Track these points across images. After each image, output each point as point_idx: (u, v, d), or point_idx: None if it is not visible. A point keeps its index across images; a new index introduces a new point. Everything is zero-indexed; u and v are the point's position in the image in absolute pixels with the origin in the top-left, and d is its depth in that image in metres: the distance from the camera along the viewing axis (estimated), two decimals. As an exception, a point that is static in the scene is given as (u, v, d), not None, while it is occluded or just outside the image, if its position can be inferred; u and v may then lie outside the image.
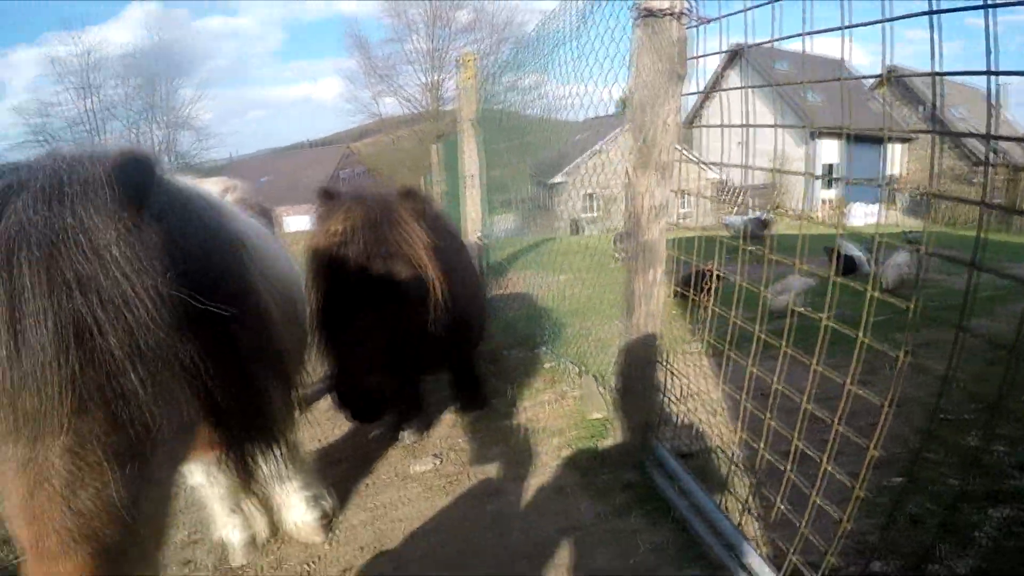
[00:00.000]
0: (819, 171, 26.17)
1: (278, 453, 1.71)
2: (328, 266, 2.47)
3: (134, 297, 1.10)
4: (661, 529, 2.78)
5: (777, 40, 2.08)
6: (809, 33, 1.93)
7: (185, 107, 40.68)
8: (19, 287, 1.00)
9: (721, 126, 2.58)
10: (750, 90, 2.38)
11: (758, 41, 2.09)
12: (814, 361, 1.88)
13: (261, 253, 1.88)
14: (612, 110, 3.99)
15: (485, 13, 39.73)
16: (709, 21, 2.56)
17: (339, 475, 3.45)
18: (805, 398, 1.95)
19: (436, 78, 39.93)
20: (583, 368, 4.17)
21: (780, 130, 2.52)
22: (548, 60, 4.50)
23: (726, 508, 2.64)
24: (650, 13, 2.61)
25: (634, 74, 2.74)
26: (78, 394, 1.04)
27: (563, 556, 2.66)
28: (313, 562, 2.83)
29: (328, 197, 2.71)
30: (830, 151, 28.06)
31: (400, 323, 2.50)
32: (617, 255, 8.29)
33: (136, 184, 1.18)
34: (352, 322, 2.39)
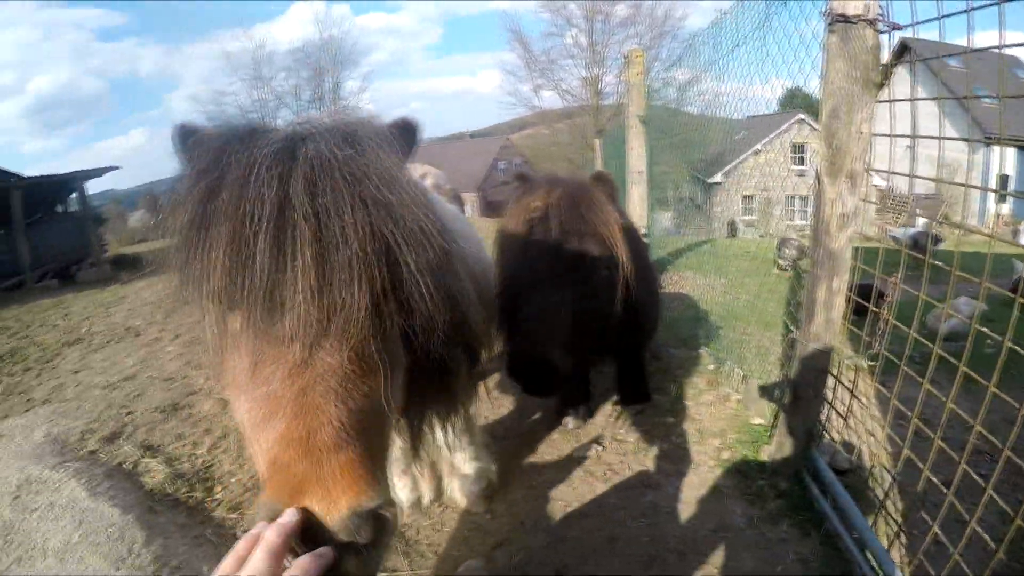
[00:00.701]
0: (992, 182, 23.71)
1: (455, 423, 1.86)
2: (525, 241, 2.63)
3: (424, 224, 1.28)
4: (810, 541, 2.79)
5: (972, 51, 2.02)
6: (1006, 46, 1.86)
7: (351, 98, 43.02)
8: (326, 206, 1.17)
9: (910, 136, 2.50)
10: (916, 90, 2.31)
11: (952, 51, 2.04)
12: (991, 383, 1.83)
13: (458, 235, 2.06)
14: (774, 108, 3.90)
15: (644, 7, 39.11)
16: (901, 27, 2.55)
17: (503, 452, 3.66)
18: (977, 421, 1.90)
19: (596, 72, 39.84)
20: (748, 373, 4.16)
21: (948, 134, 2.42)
22: (726, 59, 4.47)
23: (877, 529, 2.59)
24: (844, 19, 2.63)
25: (825, 80, 2.77)
26: (373, 301, 1.19)
27: (711, 556, 2.76)
28: (471, 530, 3.04)
29: (524, 179, 2.89)
30: (1005, 160, 25.03)
31: (589, 299, 2.64)
32: (780, 262, 8.06)
33: (410, 140, 1.47)
34: (543, 294, 2.54)
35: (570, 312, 2.62)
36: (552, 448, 3.94)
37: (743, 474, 3.42)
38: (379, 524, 1.05)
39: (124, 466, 4.06)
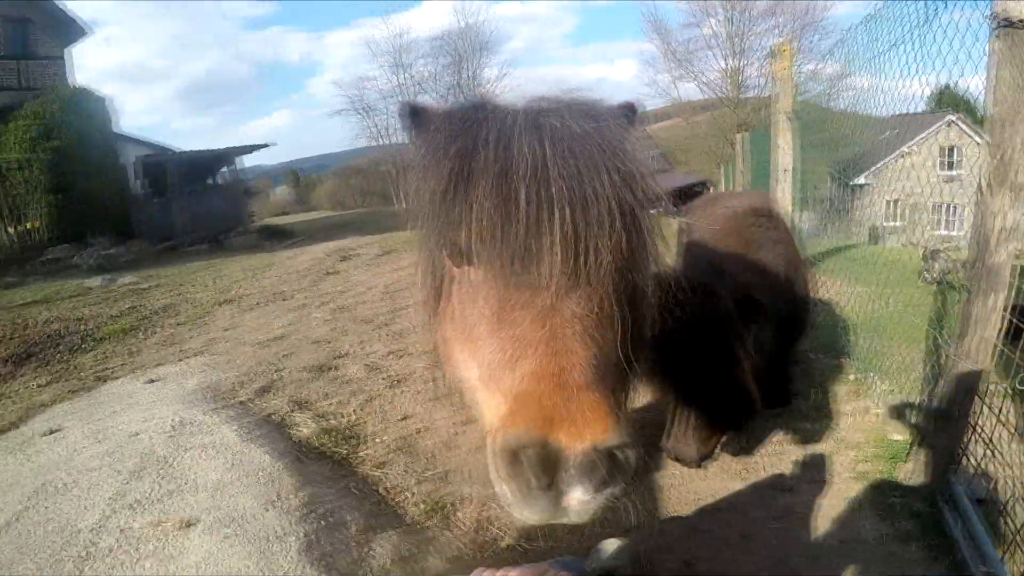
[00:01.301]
0: None
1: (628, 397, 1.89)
2: (724, 253, 2.70)
3: (659, 195, 1.44)
4: (938, 566, 2.75)
5: None
6: None
7: (489, 85, 44.14)
8: (578, 169, 1.29)
9: None
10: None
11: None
12: None
13: None
14: (921, 107, 3.75)
15: (785, -1, 37.73)
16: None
17: (644, 438, 3.70)
18: None
19: (736, 64, 38.70)
20: (891, 388, 4.06)
21: None
22: (881, 57, 4.34)
23: (1010, 565, 2.52)
24: (1010, 23, 2.48)
25: (991, 87, 2.61)
26: (617, 257, 1.31)
27: (839, 566, 2.74)
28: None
29: (703, 186, 2.96)
30: None
31: (779, 320, 2.69)
32: (927, 274, 7.70)
33: (632, 120, 1.63)
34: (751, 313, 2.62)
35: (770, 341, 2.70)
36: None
37: (877, 489, 3.36)
38: (615, 463, 1.14)
39: (274, 418, 4.36)
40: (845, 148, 5.84)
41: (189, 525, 3.11)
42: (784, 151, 6.62)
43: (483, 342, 1.30)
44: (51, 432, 4.80)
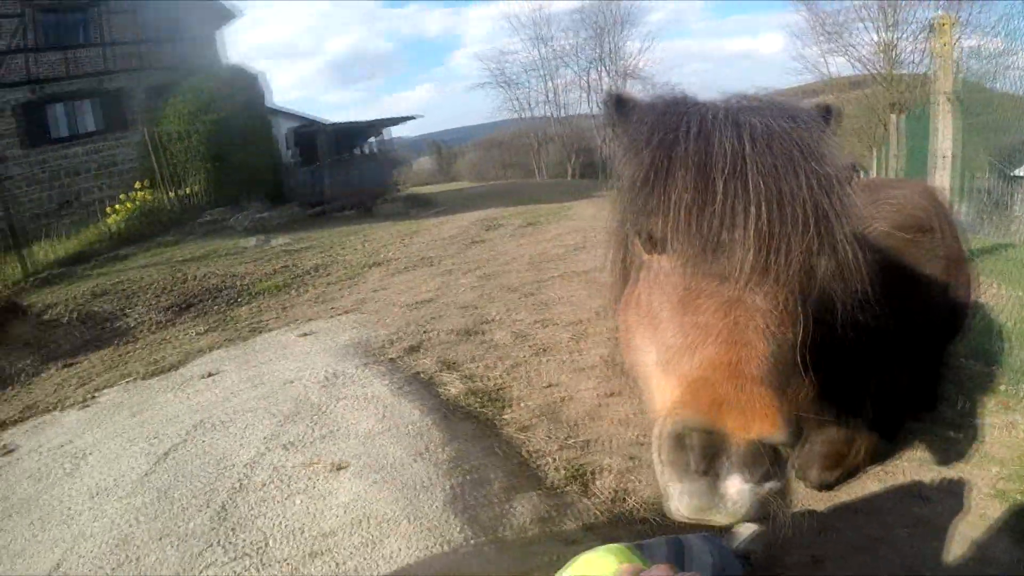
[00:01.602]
0: None
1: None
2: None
3: (852, 201, 1.40)
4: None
5: None
6: None
7: (632, 58, 43.75)
8: (776, 166, 1.31)
9: None
10: None
11: None
12: None
13: None
14: None
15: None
16: None
17: None
18: None
19: (890, 37, 35.91)
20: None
21: None
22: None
23: None
24: None
25: None
26: (807, 257, 1.32)
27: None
28: None
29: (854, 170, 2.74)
30: None
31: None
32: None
33: (829, 122, 1.54)
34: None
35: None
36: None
37: (1017, 511, 3.05)
38: (777, 459, 1.13)
39: (422, 376, 4.48)
40: (1008, 135, 5.34)
41: (340, 468, 3.27)
42: (944, 135, 6.07)
43: (665, 327, 1.34)
44: (209, 375, 5.16)
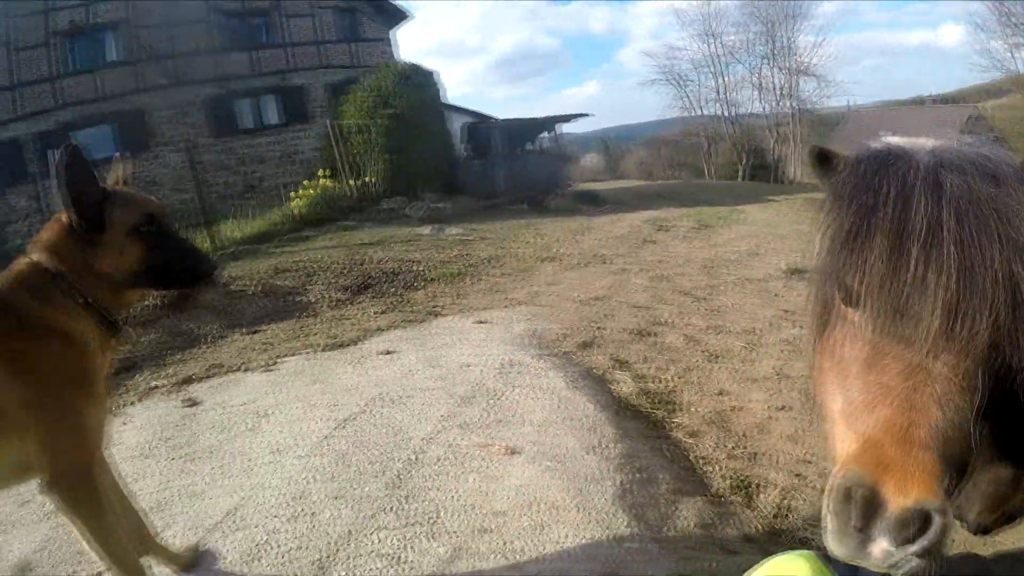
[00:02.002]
0: None
1: None
2: None
3: None
4: None
5: None
6: None
7: (805, 53, 41.69)
8: (971, 234, 1.34)
9: None
10: None
11: None
12: None
13: None
14: None
15: None
16: None
17: None
18: None
19: None
20: None
21: None
22: None
23: None
24: None
25: None
26: (993, 330, 1.34)
27: None
28: None
29: None
30: None
31: None
32: None
33: None
34: None
35: None
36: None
37: None
38: (926, 525, 1.16)
39: (595, 371, 4.56)
40: None
41: (513, 453, 3.40)
42: None
43: (851, 381, 1.39)
44: (387, 352, 5.46)
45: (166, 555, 2.93)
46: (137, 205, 2.44)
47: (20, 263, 2.44)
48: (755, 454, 3.47)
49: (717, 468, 3.33)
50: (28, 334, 2.32)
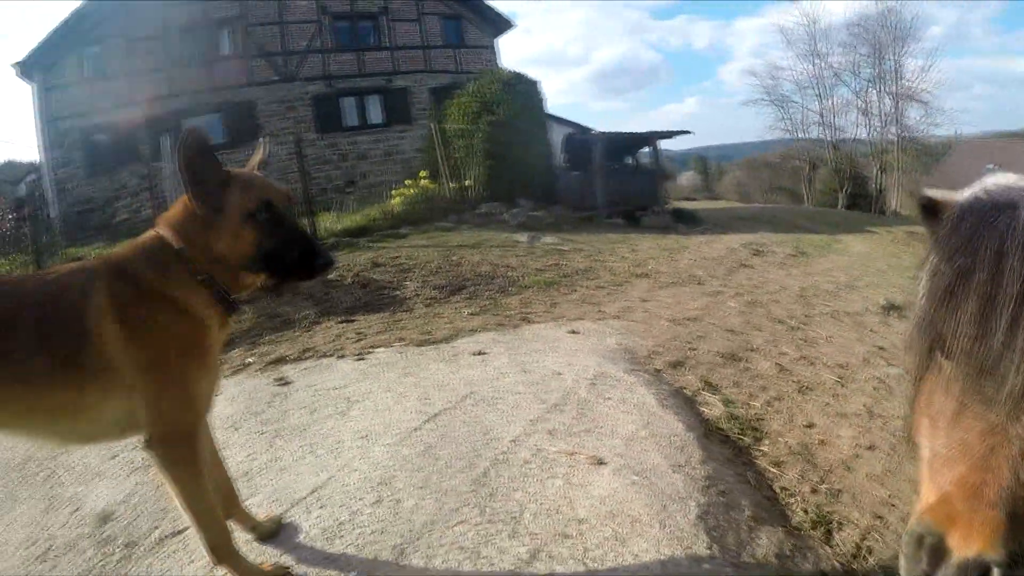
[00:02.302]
0: None
1: None
2: None
3: None
4: None
5: None
6: None
7: (913, 77, 39.92)
8: None
9: None
10: None
11: None
12: None
13: None
14: None
15: None
16: None
17: None
18: None
19: None
20: None
21: None
22: None
23: None
24: None
25: None
26: None
27: None
28: None
29: None
30: None
31: None
32: None
33: None
34: None
35: None
36: None
37: None
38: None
39: (685, 392, 4.57)
40: None
41: (600, 463, 3.45)
42: None
43: (938, 432, 1.48)
44: (479, 353, 5.58)
45: (249, 522, 3.08)
46: (256, 191, 2.52)
47: (147, 236, 2.59)
48: (839, 491, 3.43)
49: (799, 501, 3.31)
50: (147, 302, 2.44)
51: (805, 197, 43.25)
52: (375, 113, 25.86)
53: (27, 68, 22.95)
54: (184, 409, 2.51)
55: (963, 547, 1.28)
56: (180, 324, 2.47)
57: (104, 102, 22.69)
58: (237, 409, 4.67)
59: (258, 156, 2.82)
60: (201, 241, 2.48)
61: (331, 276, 8.76)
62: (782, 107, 44.51)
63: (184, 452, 2.52)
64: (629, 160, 22.37)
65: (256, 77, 24.09)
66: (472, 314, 7.39)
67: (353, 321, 7.54)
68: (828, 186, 42.95)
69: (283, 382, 5.39)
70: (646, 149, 21.25)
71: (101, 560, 3.14)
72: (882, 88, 41.87)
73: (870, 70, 41.76)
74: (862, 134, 43.16)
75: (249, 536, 3.04)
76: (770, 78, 44.76)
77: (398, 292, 8.81)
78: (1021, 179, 1.63)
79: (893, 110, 41.85)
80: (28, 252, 13.30)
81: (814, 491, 3.38)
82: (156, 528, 3.32)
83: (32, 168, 27.39)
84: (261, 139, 2.90)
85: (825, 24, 44.14)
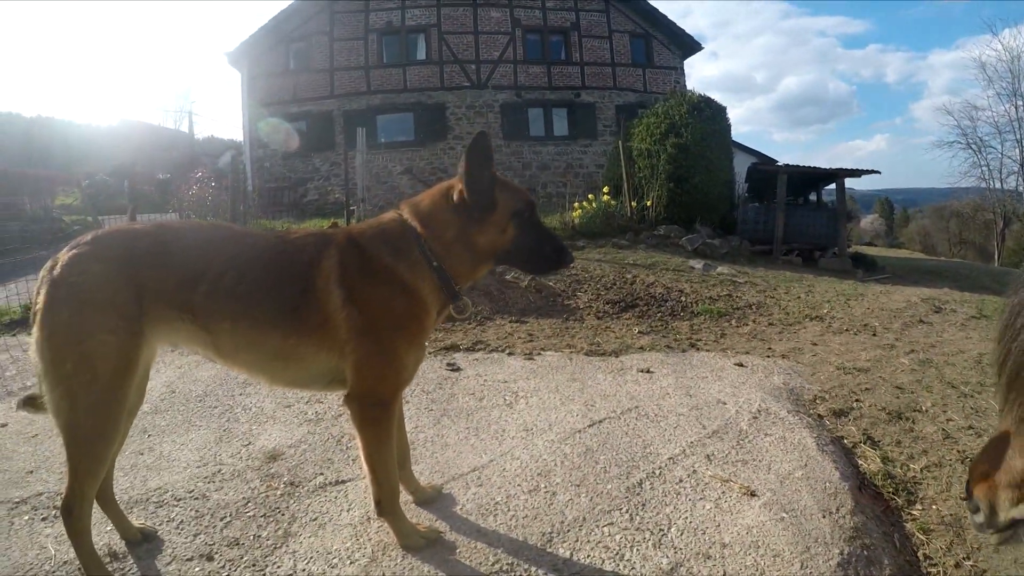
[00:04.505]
0: None
1: None
2: None
3: None
4: None
5: None
6: None
7: None
8: None
9: None
10: None
11: None
12: None
13: None
14: None
15: None
16: None
17: None
18: None
19: None
20: None
21: None
22: None
23: None
24: None
25: None
26: None
27: None
28: None
29: None
30: None
31: None
32: None
33: None
34: None
35: None
36: None
37: None
38: None
39: (845, 441, 4.56)
40: None
41: (752, 495, 3.56)
42: None
43: None
44: (646, 371, 5.80)
45: (411, 486, 3.39)
46: (520, 194, 2.81)
47: (389, 216, 2.88)
48: (983, 571, 3.31)
49: (939, 572, 3.24)
50: (375, 275, 2.71)
51: (995, 254, 39.59)
52: (560, 125, 26.63)
53: (236, 58, 25.71)
54: (389, 377, 2.78)
55: None
56: (403, 301, 2.73)
57: (304, 93, 25.09)
58: (409, 385, 5.06)
59: None
60: (450, 231, 2.75)
61: (508, 277, 9.19)
62: (978, 152, 40.74)
63: (380, 413, 2.79)
64: (812, 196, 21.61)
65: (448, 82, 25.54)
66: (641, 332, 7.57)
67: (525, 323, 7.91)
68: (1021, 244, 38.98)
69: (454, 368, 5.81)
70: (830, 186, 20.49)
71: (265, 491, 3.53)
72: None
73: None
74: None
75: (409, 498, 3.36)
76: (967, 118, 41.06)
77: (570, 302, 9.11)
78: None
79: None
80: (225, 218, 14.49)
81: (957, 566, 3.32)
82: (320, 475, 3.72)
83: (232, 145, 30.17)
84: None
85: (1032, 59, 39.46)
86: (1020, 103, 39.20)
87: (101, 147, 45.77)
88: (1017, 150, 39.59)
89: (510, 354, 6.41)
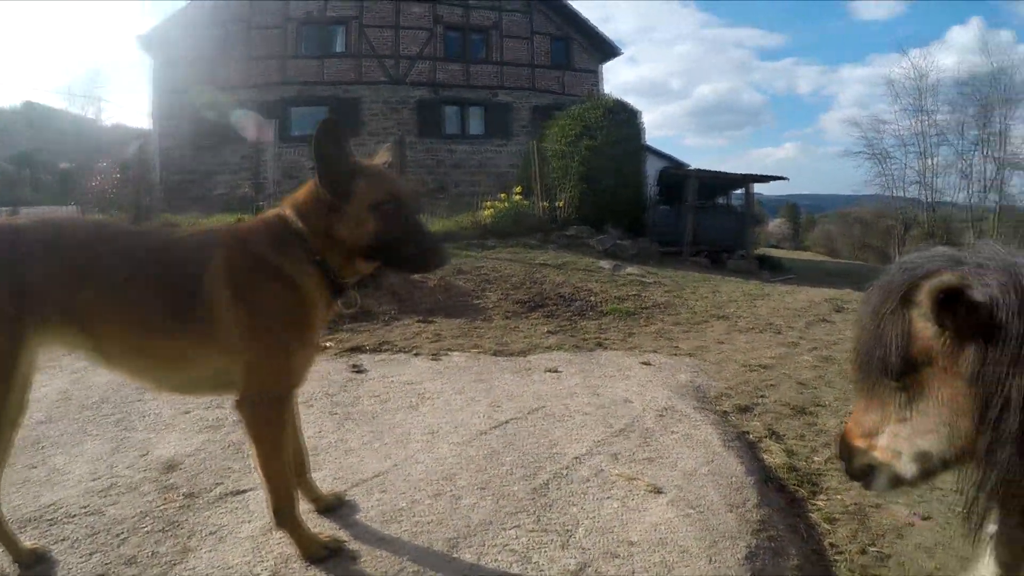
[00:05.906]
0: None
1: None
2: None
3: None
4: None
5: None
6: None
7: (1020, 144, 37.96)
8: None
9: None
10: None
11: None
12: None
13: None
14: None
15: None
16: None
17: None
18: None
19: None
20: None
21: None
22: None
23: None
24: None
25: None
26: None
27: None
28: None
29: None
30: None
31: None
32: None
33: None
34: None
35: None
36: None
37: None
38: None
39: (750, 436, 4.62)
40: None
41: (658, 492, 3.54)
42: None
43: None
44: (553, 371, 5.76)
45: (312, 494, 3.24)
46: (384, 184, 2.65)
47: (272, 213, 2.79)
48: (887, 556, 3.38)
49: (846, 560, 3.29)
50: (261, 274, 2.61)
51: (895, 257, 40.59)
52: (476, 124, 26.65)
53: (149, 42, 24.52)
54: (280, 376, 2.68)
55: None
56: (290, 298, 2.63)
57: (218, 81, 23.94)
58: (311, 388, 4.90)
59: (385, 157, 3.00)
60: (322, 225, 2.64)
61: (415, 277, 9.01)
62: (882, 162, 43.09)
63: (271, 415, 2.68)
64: (720, 200, 22.26)
65: (366, 76, 25.18)
66: (549, 332, 7.55)
67: (432, 323, 7.78)
68: (919, 248, 40.35)
69: (358, 370, 5.64)
70: (740, 191, 21.16)
71: (162, 504, 3.32)
72: (987, 152, 40.04)
73: (976, 132, 40.05)
74: (961, 198, 41.49)
75: (310, 507, 3.21)
76: (873, 131, 43.45)
77: (478, 301, 9.05)
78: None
79: (996, 176, 40.08)
80: (128, 212, 13.98)
81: (862, 552, 3.37)
82: (219, 484, 3.53)
83: (140, 134, 28.86)
84: (392, 141, 3.08)
85: (934, 79, 41.62)
86: (924, 118, 41.49)
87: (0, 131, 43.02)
88: (918, 162, 41.97)
89: (416, 355, 6.30)
